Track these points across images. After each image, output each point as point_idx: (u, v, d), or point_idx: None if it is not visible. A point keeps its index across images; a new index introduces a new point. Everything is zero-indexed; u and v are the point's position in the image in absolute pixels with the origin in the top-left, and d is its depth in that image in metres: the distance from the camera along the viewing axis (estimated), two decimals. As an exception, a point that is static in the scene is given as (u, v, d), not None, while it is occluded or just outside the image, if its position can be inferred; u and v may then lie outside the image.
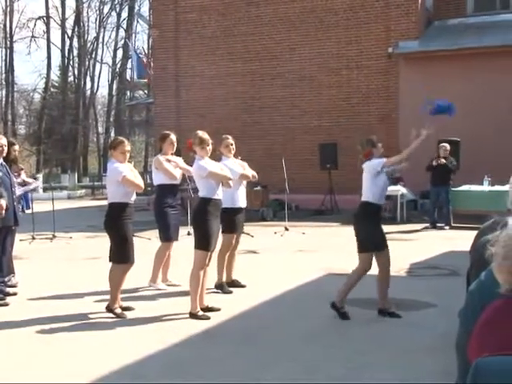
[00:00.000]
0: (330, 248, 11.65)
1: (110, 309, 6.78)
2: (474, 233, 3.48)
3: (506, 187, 11.43)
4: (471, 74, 17.51)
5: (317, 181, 18.42)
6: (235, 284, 8.22)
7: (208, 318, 6.57)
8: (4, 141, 7.65)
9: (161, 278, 8.37)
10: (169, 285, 8.31)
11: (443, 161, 13.99)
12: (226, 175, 6.90)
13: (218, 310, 6.92)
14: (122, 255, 6.70)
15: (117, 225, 6.69)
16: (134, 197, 6.88)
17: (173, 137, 8.25)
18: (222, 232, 7.77)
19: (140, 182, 6.84)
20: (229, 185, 6.97)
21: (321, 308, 6.99)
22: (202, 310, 6.82)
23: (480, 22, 19.00)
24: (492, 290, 1.87)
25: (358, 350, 5.53)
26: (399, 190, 15.89)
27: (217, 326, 6.41)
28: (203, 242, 6.64)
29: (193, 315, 6.63)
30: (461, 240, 10.94)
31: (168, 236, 8.15)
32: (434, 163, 14.13)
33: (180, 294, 7.75)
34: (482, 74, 17.45)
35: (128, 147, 6.82)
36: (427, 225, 14.49)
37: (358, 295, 7.66)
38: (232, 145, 8.05)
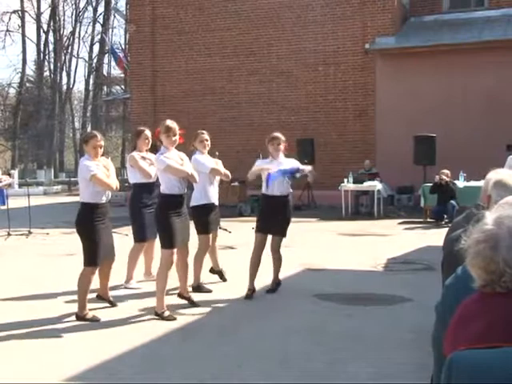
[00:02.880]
0: (308, 243, 11.69)
1: (80, 316, 6.48)
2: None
3: (480, 182, 11.55)
4: (447, 71, 17.65)
5: (294, 176, 18.43)
6: (222, 274, 8.25)
7: (174, 319, 6.38)
8: None
9: (144, 272, 8.33)
10: (153, 279, 8.22)
11: (445, 178, 14.06)
12: (185, 170, 6.45)
13: (197, 306, 6.90)
14: (88, 257, 6.45)
15: (86, 226, 6.42)
16: (106, 196, 6.56)
17: (147, 133, 8.01)
18: (197, 233, 7.64)
19: (112, 181, 6.50)
20: (194, 179, 6.68)
21: (298, 304, 7.02)
22: (184, 297, 6.85)
23: (455, 18, 19.17)
24: (468, 284, 1.89)
25: (334, 345, 5.56)
26: (376, 185, 16.00)
27: (194, 322, 6.40)
28: (166, 240, 6.41)
29: (158, 315, 6.44)
30: (437, 235, 11.04)
31: (142, 236, 7.95)
32: (436, 178, 14.19)
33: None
34: (458, 71, 17.60)
35: (101, 142, 6.48)
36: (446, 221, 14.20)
37: (335, 291, 7.72)
38: (207, 140, 7.77)
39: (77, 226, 6.56)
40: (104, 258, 6.61)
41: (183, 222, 6.58)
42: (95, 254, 6.47)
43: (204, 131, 7.96)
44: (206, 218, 7.65)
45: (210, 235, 7.81)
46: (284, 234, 7.55)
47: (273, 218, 7.40)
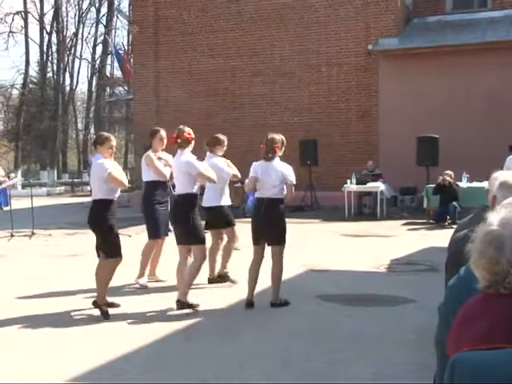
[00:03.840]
0: (310, 244, 11.68)
1: (97, 305, 6.68)
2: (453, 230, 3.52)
3: (484, 184, 11.56)
4: (450, 71, 17.64)
5: (297, 177, 18.39)
6: (227, 278, 8.30)
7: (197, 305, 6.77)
8: None
9: (148, 272, 8.34)
10: (156, 280, 8.28)
11: (448, 179, 14.06)
12: (210, 176, 6.97)
13: (197, 305, 6.92)
14: (110, 250, 6.67)
15: (102, 221, 6.65)
16: (118, 193, 6.87)
17: (163, 133, 8.21)
18: (210, 229, 8.04)
19: (125, 179, 6.87)
20: (213, 181, 7.08)
21: (300, 305, 7.03)
22: (183, 304, 6.85)
23: (458, 19, 19.13)
24: (471, 285, 1.89)
25: (336, 345, 5.56)
26: (379, 186, 15.98)
27: (197, 323, 6.41)
28: (197, 237, 6.77)
29: (183, 304, 6.72)
30: (440, 236, 11.05)
31: (156, 233, 8.07)
32: (440, 179, 14.17)
33: (164, 290, 7.77)
34: (461, 71, 17.58)
35: (114, 142, 6.87)
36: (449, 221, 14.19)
37: (338, 291, 7.72)
38: (226, 145, 8.23)
39: (93, 222, 6.76)
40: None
41: (200, 221, 7.04)
42: (116, 246, 6.70)
43: (222, 135, 8.32)
44: (227, 215, 8.13)
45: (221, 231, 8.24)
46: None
47: None
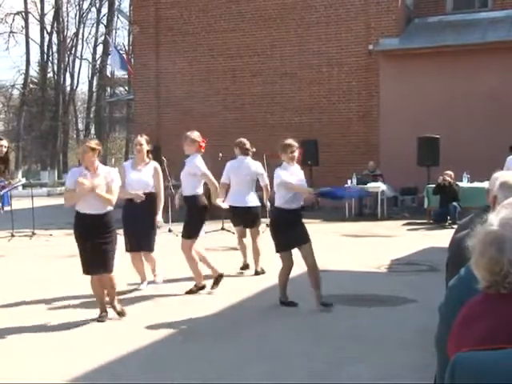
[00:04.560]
0: (311, 244, 11.65)
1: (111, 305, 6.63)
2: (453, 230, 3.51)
3: (484, 184, 11.54)
4: (450, 72, 17.63)
5: (298, 177, 18.42)
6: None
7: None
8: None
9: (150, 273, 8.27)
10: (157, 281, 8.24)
11: (448, 179, 14.06)
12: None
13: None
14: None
15: (75, 233, 6.46)
16: (94, 209, 6.19)
17: (139, 138, 7.95)
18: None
19: (73, 195, 6.19)
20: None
21: (301, 305, 7.01)
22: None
23: (459, 19, 19.12)
24: (471, 285, 1.89)
25: (338, 345, 5.55)
26: (379, 186, 15.98)
27: (198, 323, 6.40)
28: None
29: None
30: (441, 236, 11.04)
31: (125, 245, 7.79)
32: (440, 179, 14.19)
33: (163, 290, 7.75)
34: (461, 72, 17.57)
35: (86, 149, 6.07)
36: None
37: (339, 292, 7.71)
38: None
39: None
40: (91, 271, 6.49)
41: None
42: (81, 262, 6.49)
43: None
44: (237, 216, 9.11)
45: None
46: None
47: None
